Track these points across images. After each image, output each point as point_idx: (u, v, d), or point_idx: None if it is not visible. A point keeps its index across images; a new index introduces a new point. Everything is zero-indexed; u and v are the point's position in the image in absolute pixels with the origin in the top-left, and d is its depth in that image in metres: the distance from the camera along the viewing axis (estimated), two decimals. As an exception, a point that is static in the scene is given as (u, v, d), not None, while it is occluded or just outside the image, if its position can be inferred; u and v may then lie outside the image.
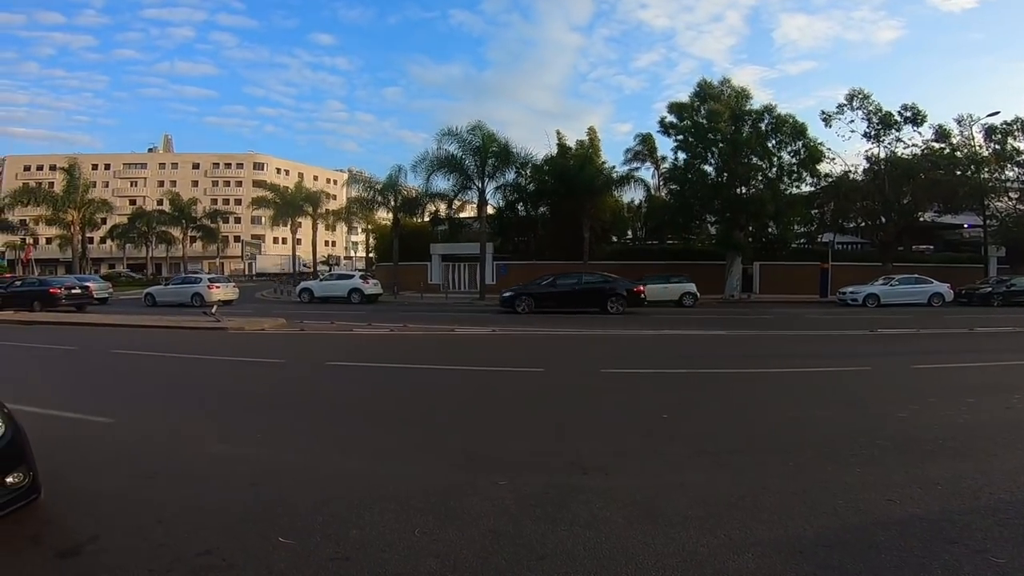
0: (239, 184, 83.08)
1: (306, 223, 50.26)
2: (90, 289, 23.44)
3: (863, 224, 32.63)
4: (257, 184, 70.12)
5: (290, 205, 48.40)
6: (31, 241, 52.10)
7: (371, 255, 56.08)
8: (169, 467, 4.20)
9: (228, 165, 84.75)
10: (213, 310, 16.56)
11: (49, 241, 59.61)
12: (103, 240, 59.59)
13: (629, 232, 39.38)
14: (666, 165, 34.76)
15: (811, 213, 31.32)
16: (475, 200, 29.88)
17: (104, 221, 52.31)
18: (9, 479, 2.95)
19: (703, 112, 28.57)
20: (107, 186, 77.10)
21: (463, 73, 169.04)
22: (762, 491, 3.77)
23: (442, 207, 32.72)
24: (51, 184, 54.39)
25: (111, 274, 49.90)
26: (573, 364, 9.45)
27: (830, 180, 30.02)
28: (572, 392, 7.14)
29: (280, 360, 9.55)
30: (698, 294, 24.34)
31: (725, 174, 28.67)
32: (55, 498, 3.33)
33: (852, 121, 29.68)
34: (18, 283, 23.92)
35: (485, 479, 3.99)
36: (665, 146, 40.60)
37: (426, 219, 34.36)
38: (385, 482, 3.93)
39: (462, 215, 34.93)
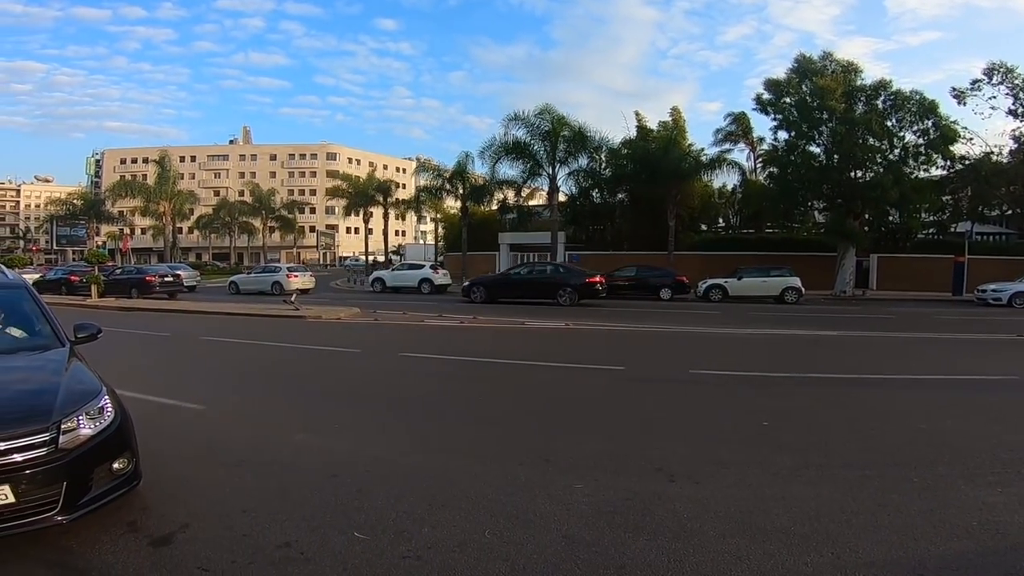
0: (313, 175, 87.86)
1: (377, 213, 52.25)
2: (180, 277, 25.83)
3: (1009, 212, 29.45)
4: (330, 174, 73.59)
5: (362, 195, 50.34)
6: (128, 231, 57.60)
7: (440, 244, 57.51)
8: (255, 455, 4.49)
9: (303, 156, 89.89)
10: (292, 299, 17.63)
11: (144, 231, 65.81)
12: (191, 230, 65.25)
13: (721, 220, 37.62)
14: (764, 146, 32.87)
15: (943, 200, 28.43)
16: (545, 187, 29.58)
17: (191, 212, 56.99)
18: (115, 465, 3.21)
19: (805, 89, 26.50)
20: (193, 178, 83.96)
21: (527, 54, 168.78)
22: (879, 508, 3.52)
23: (510, 195, 32.69)
24: (144, 176, 59.97)
25: (198, 263, 54.50)
26: (658, 363, 9.18)
27: (967, 163, 27.00)
28: (658, 393, 6.93)
29: (356, 350, 10.03)
30: (803, 289, 22.53)
31: (836, 156, 26.33)
32: (152, 484, 3.63)
33: (993, 97, 26.57)
34: (118, 271, 26.64)
35: (561, 481, 3.96)
36: (762, 126, 38.13)
37: (494, 207, 34.47)
38: (458, 479, 4.00)
39: (532, 203, 34.73)
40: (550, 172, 28.22)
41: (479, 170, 32.76)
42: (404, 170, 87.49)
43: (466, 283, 22.29)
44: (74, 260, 53.16)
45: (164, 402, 5.99)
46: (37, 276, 27.17)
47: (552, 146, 27.54)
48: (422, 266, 30.18)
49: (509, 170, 29.42)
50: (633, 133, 33.10)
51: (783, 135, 27.81)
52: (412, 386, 7.34)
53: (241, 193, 67.18)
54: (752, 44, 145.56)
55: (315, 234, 75.41)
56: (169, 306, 19.46)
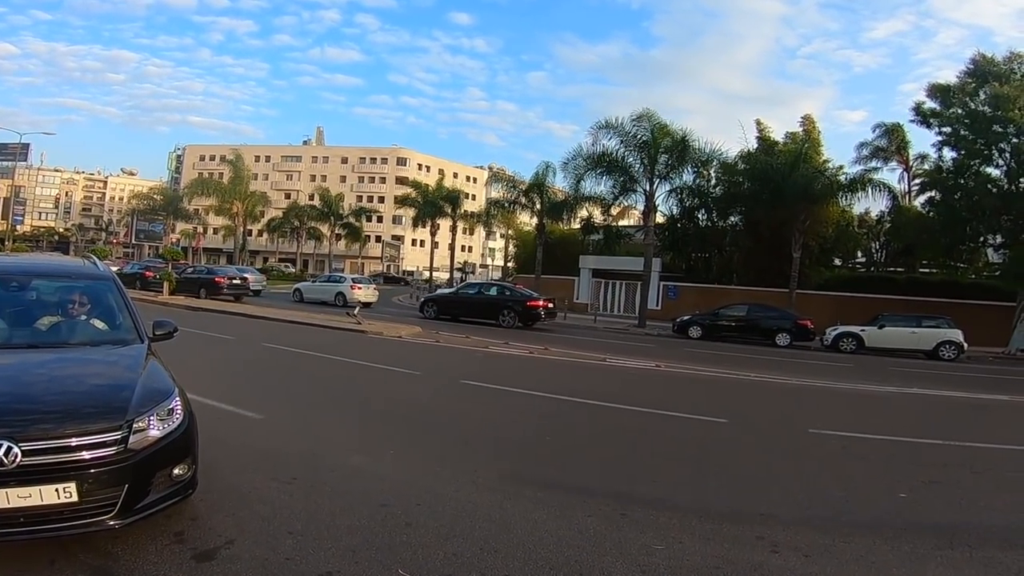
0: (383, 180, 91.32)
1: (444, 225, 52.38)
2: (247, 280, 27.46)
3: None
4: (400, 181, 76.42)
5: (430, 205, 50.50)
6: (201, 230, 62.34)
7: (509, 264, 57.34)
8: (308, 473, 4.63)
9: (373, 160, 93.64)
10: (356, 311, 18.31)
11: (216, 231, 70.93)
12: (260, 233, 69.30)
13: (860, 254, 34.16)
14: (924, 165, 29.93)
15: None
16: (639, 206, 27.65)
17: (262, 214, 60.69)
18: (175, 471, 3.34)
19: (982, 96, 23.39)
20: (266, 178, 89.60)
21: (622, 53, 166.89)
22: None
23: (596, 212, 31.09)
24: (220, 175, 64.47)
25: (265, 267, 57.92)
26: (769, 417, 8.65)
27: None
28: (764, 450, 6.56)
29: (416, 372, 10.23)
30: (964, 344, 19.81)
31: (1021, 180, 22.96)
32: (205, 493, 3.78)
33: None
34: (190, 270, 28.75)
35: (637, 539, 3.81)
36: (921, 141, 34.66)
37: (576, 225, 32.63)
38: (515, 524, 3.94)
39: (621, 223, 33.14)
40: (646, 188, 25.98)
41: (560, 183, 31.34)
42: (475, 179, 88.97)
43: (423, 297, 24.35)
44: (149, 256, 58.11)
45: (224, 408, 6.32)
46: (115, 269, 29.74)
47: (651, 158, 25.14)
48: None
49: (596, 185, 27.66)
50: (753, 145, 30.67)
51: (950, 153, 24.90)
52: (473, 416, 7.37)
53: (311, 196, 70.32)
54: (909, 42, 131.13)
55: (380, 244, 77.95)
56: (234, 308, 20.70)
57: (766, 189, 26.23)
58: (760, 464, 6.02)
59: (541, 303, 21.35)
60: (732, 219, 30.35)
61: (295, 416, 6.66)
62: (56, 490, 2.88)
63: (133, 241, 73.29)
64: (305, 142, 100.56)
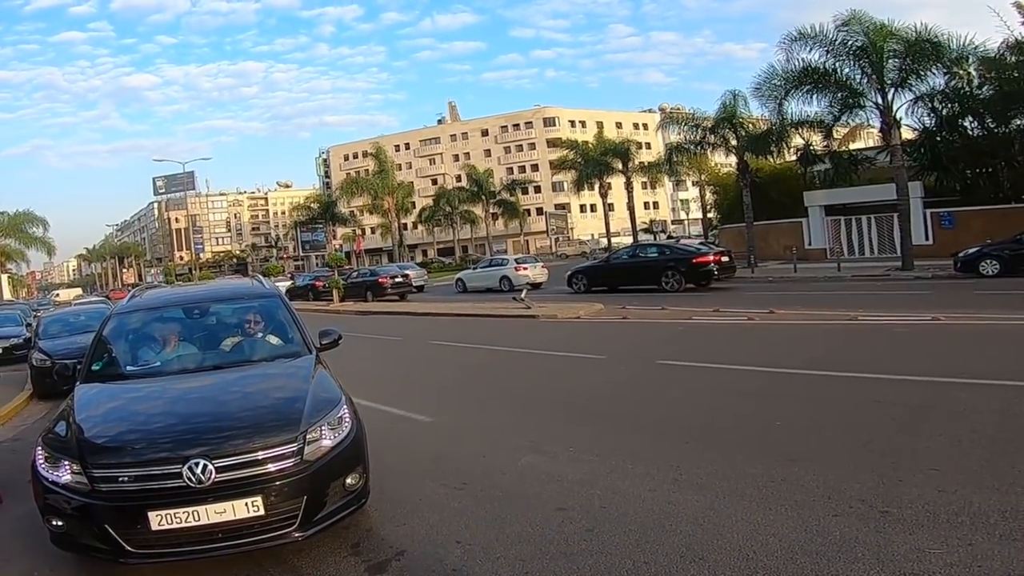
0: (532, 147, 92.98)
1: (617, 183, 51.64)
2: (410, 277, 30.12)
3: None
4: (552, 144, 76.63)
5: (593, 163, 50.32)
6: (360, 232, 68.67)
7: (709, 215, 54.77)
8: (479, 478, 4.94)
9: (516, 126, 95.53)
10: (523, 295, 18.97)
11: (373, 231, 77.88)
12: (415, 225, 74.74)
13: None
14: None
15: None
16: (874, 123, 25.54)
17: (413, 205, 65.26)
18: (348, 480, 3.82)
19: None
20: (410, 167, 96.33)
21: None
22: None
23: (815, 138, 29.05)
24: (366, 172, 70.31)
25: (424, 261, 62.44)
26: None
27: None
28: None
29: (600, 356, 10.26)
30: None
31: None
32: (378, 502, 4.23)
33: None
34: (354, 274, 32.36)
35: (905, 541, 3.44)
36: None
37: (790, 158, 31.16)
38: (729, 526, 3.80)
39: (853, 146, 30.87)
40: (878, 102, 23.84)
41: (757, 112, 30.05)
42: (645, 125, 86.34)
43: (568, 273, 24.57)
44: (317, 265, 65.84)
45: (394, 412, 6.99)
46: (289, 283, 34.59)
47: (876, 65, 23.17)
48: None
49: (805, 106, 26.03)
50: (1020, 33, 26.65)
51: None
52: (673, 403, 7.14)
53: (458, 179, 73.86)
54: None
55: (543, 217, 79.13)
56: (400, 308, 22.73)
57: None
58: None
59: (711, 257, 21.12)
60: (1016, 122, 26.74)
61: (465, 416, 7.13)
62: (246, 504, 3.45)
63: (300, 253, 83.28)
64: (440, 121, 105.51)
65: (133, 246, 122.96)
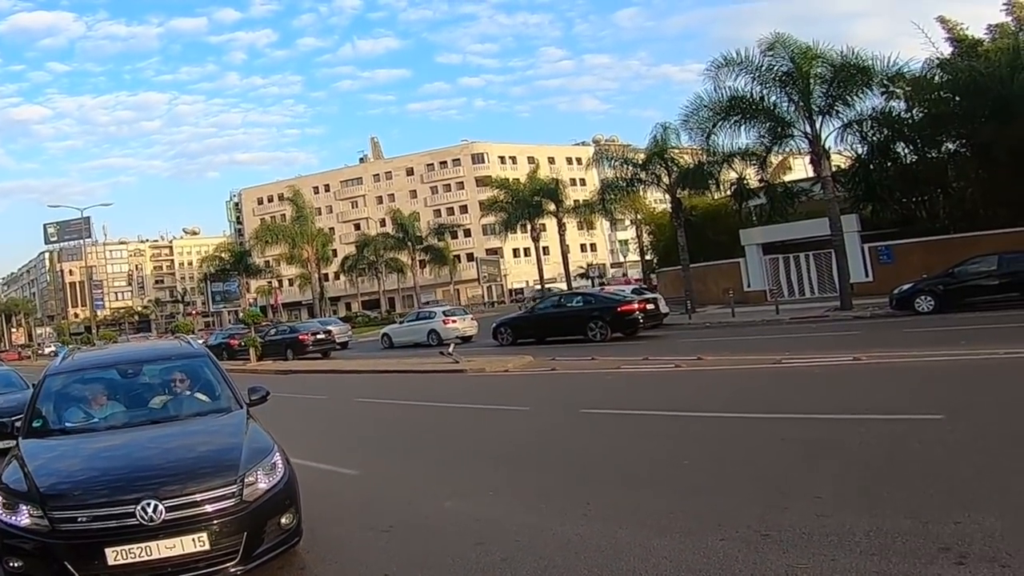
0: (461, 186, 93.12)
1: (551, 225, 51.87)
2: (332, 333, 30.43)
3: None
4: (481, 183, 76.90)
5: (523, 204, 49.78)
6: (277, 285, 68.09)
7: (648, 257, 54.25)
8: (405, 520, 5.72)
9: (443, 164, 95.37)
10: (450, 349, 19.69)
11: (291, 283, 76.71)
12: (336, 276, 73.98)
13: None
14: None
15: None
16: (804, 153, 25.81)
17: (335, 254, 64.70)
18: (283, 519, 4.56)
19: None
20: (331, 211, 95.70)
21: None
22: None
23: (749, 172, 29.56)
24: (282, 216, 69.52)
25: (348, 315, 61.83)
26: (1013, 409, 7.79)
27: None
28: (986, 451, 6.20)
29: (524, 407, 11.20)
30: None
31: None
32: (310, 545, 4.94)
33: None
34: (272, 331, 32.62)
35: (778, 560, 4.15)
36: None
37: (725, 193, 31.41)
38: (628, 551, 4.54)
39: (787, 178, 31.28)
40: (807, 131, 24.17)
41: (689, 143, 29.79)
42: (578, 160, 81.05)
43: (493, 325, 25.04)
44: (230, 323, 64.43)
45: (322, 467, 7.62)
46: (200, 342, 33.93)
47: (803, 92, 23.52)
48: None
49: (735, 138, 26.10)
50: (945, 51, 27.77)
51: None
52: (591, 448, 7.98)
53: (382, 223, 73.07)
54: None
55: (474, 263, 78.25)
56: (323, 366, 23.30)
57: (983, 102, 23.87)
58: (974, 469, 5.73)
59: (636, 305, 21.81)
60: (947, 146, 27.59)
61: (391, 468, 7.93)
62: (193, 540, 4.16)
63: (211, 308, 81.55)
64: (362, 159, 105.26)
65: (22, 302, 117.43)
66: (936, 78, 25.88)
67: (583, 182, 73.35)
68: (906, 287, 20.08)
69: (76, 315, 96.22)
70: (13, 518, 4.23)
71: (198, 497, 4.26)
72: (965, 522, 4.49)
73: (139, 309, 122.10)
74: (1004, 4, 29.67)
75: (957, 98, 25.38)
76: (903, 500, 5.14)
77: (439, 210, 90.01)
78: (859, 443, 6.89)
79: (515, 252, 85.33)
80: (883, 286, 22.93)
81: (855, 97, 23.88)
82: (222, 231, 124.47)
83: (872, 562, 4.03)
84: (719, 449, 7.39)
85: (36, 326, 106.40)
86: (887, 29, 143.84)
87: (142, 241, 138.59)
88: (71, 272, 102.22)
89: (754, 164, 28.47)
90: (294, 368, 23.53)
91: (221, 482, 4.37)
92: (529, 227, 51.77)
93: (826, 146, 24.43)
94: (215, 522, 4.24)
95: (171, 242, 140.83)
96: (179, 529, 4.14)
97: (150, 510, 4.10)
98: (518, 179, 56.96)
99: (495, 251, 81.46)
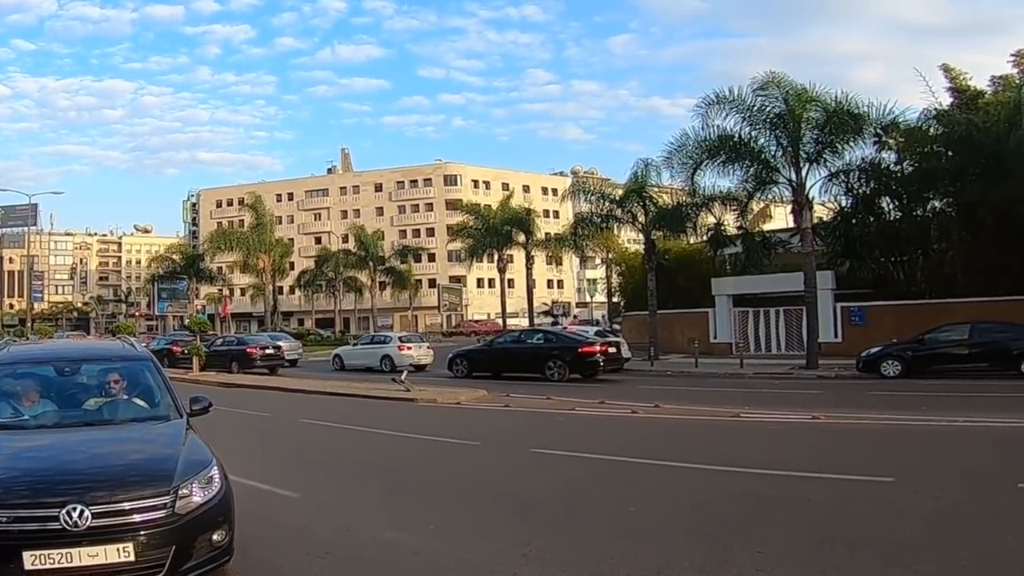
0: (430, 208, 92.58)
1: (519, 256, 51.29)
2: (282, 349, 30.04)
3: None
4: (451, 206, 76.15)
5: (492, 232, 48.94)
6: (228, 293, 66.90)
7: (616, 299, 54.54)
8: (342, 548, 5.73)
9: (414, 183, 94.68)
10: (403, 377, 19.64)
11: (243, 292, 75.50)
12: (292, 290, 72.96)
13: None
14: None
15: None
16: (787, 200, 25.07)
17: (292, 266, 63.87)
18: (215, 536, 4.49)
19: None
20: (292, 221, 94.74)
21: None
22: None
23: (728, 218, 29.57)
24: (241, 223, 68.63)
25: (300, 332, 60.54)
26: (963, 472, 8.21)
27: None
28: (940, 515, 6.48)
29: (474, 442, 11.27)
30: None
31: None
32: (241, 566, 4.88)
33: None
34: (219, 342, 32.14)
35: None
36: None
37: (702, 238, 31.29)
38: None
39: (767, 227, 31.22)
40: (792, 178, 23.61)
41: (670, 182, 29.61)
42: (554, 191, 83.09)
43: (449, 355, 25.29)
44: (175, 327, 63.05)
45: (260, 487, 7.56)
46: (143, 345, 33.17)
47: (793, 136, 22.87)
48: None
49: (720, 179, 25.99)
50: (945, 100, 27.41)
51: None
52: (538, 488, 8.06)
53: (344, 239, 71.64)
54: None
55: (436, 290, 76.85)
56: (269, 382, 22.93)
57: (976, 159, 23.73)
58: (922, 532, 6.02)
59: (599, 348, 21.96)
60: (934, 204, 27.29)
61: (331, 493, 7.91)
62: (118, 549, 4.10)
63: (156, 312, 79.66)
64: (330, 170, 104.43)
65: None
66: (931, 130, 25.80)
67: (556, 214, 73.98)
68: (874, 350, 20.51)
69: (11, 306, 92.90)
70: None
71: (127, 506, 4.20)
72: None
73: (79, 305, 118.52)
74: (1012, 56, 29.33)
75: (949, 152, 25.39)
76: (844, 560, 5.36)
77: (405, 231, 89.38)
78: (807, 501, 7.15)
79: (479, 282, 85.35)
80: (852, 348, 23.06)
81: (846, 145, 23.63)
82: (176, 232, 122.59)
83: None
84: (667, 498, 7.57)
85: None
86: (889, 74, 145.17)
87: (90, 234, 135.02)
88: (11, 260, 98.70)
89: (734, 209, 28.47)
90: (238, 382, 23.14)
91: (153, 492, 4.31)
92: (496, 257, 51.47)
93: (810, 196, 24.29)
94: (143, 533, 4.18)
95: (120, 238, 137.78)
96: (104, 537, 4.08)
97: (75, 515, 4.03)
98: (490, 205, 56.26)
99: (459, 279, 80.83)
